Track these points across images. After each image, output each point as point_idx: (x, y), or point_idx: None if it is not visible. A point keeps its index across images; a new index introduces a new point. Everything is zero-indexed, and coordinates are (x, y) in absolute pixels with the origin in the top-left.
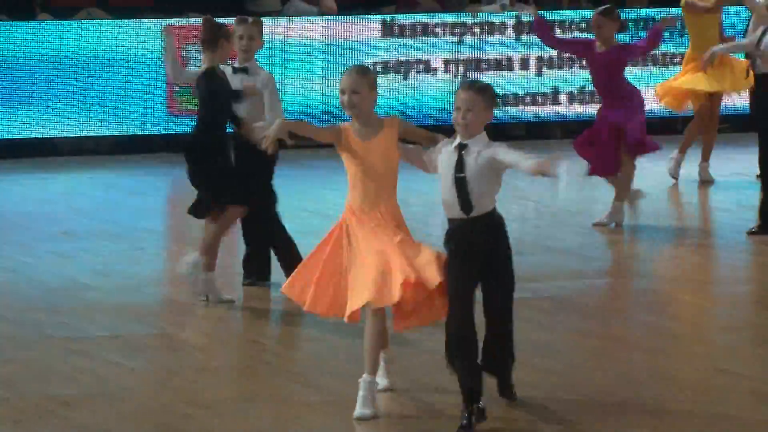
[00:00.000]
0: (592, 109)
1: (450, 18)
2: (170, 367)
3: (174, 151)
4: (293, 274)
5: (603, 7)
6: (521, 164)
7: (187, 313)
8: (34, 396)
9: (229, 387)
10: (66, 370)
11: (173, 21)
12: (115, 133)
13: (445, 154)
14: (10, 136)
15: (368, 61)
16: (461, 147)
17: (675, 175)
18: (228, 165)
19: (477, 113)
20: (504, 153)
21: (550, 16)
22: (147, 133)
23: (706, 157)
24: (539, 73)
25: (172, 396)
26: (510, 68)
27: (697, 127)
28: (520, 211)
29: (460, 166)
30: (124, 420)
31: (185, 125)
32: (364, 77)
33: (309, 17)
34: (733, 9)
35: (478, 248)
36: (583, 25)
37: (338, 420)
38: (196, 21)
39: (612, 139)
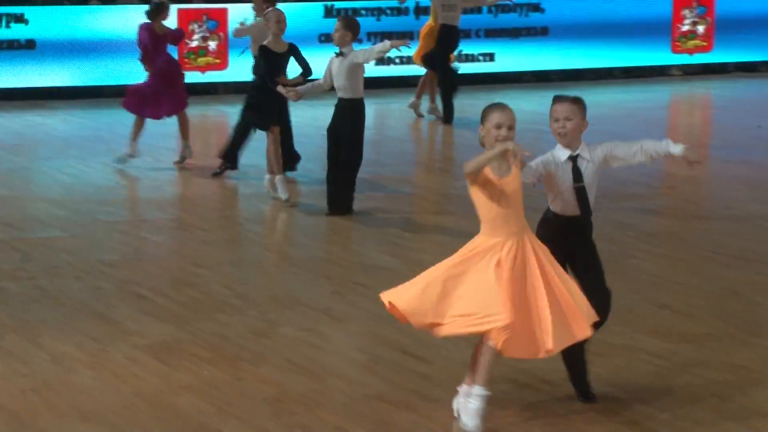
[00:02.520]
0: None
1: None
2: (182, 240)
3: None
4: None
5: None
6: (639, 154)
7: (193, 204)
8: (89, 260)
9: (222, 254)
10: (111, 243)
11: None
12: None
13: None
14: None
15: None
16: (573, 158)
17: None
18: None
19: (576, 122)
20: (616, 147)
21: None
22: None
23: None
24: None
25: (183, 260)
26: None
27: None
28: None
29: (577, 176)
30: (151, 276)
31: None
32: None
33: None
34: None
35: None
36: None
37: (298, 276)
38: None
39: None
